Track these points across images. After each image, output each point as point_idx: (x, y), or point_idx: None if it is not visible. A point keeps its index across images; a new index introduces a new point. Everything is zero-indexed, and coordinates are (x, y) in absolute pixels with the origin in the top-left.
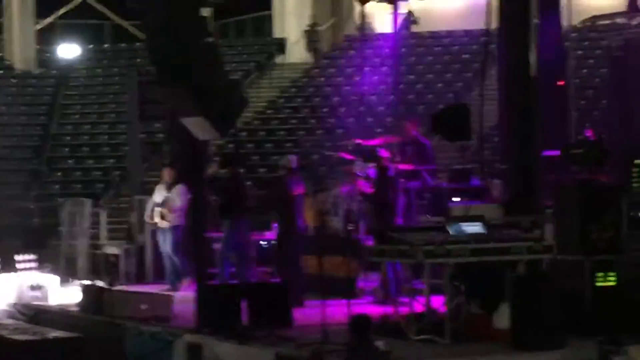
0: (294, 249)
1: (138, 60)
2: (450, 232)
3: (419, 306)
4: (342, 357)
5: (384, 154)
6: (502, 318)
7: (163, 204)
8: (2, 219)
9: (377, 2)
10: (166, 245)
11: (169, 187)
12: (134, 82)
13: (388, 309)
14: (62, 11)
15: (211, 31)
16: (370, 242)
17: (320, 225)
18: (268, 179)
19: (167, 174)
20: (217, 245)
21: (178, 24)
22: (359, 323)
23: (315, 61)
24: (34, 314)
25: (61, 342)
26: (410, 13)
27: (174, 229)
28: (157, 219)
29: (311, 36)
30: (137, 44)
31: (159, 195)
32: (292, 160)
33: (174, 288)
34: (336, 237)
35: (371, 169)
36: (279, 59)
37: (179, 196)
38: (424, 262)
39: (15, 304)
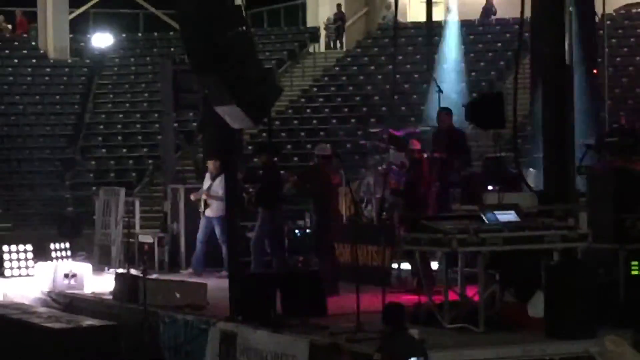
0: (330, 238)
1: (172, 49)
2: (485, 221)
3: (453, 294)
4: (376, 346)
5: (416, 145)
6: (537, 307)
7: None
8: (36, 207)
9: None
10: (207, 233)
11: (214, 178)
12: (168, 71)
13: (422, 297)
14: (95, 0)
15: (244, 20)
16: (404, 231)
17: (354, 214)
18: (306, 167)
19: (212, 165)
20: (251, 234)
21: (212, 12)
22: (392, 312)
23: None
24: (68, 302)
25: (95, 330)
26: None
27: (219, 219)
28: (201, 207)
29: (329, 29)
30: (171, 33)
31: (206, 184)
32: (326, 148)
33: (197, 272)
34: (370, 225)
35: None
36: (312, 48)
37: (221, 186)
38: (458, 251)
39: (49, 292)
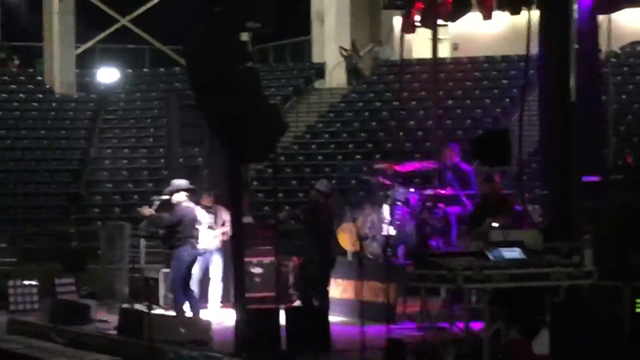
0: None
1: (177, 84)
2: (490, 257)
3: (458, 331)
4: None
5: (497, 178)
6: (542, 344)
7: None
8: (42, 242)
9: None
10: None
11: (215, 212)
12: (174, 106)
13: (427, 334)
14: (102, 35)
15: (250, 55)
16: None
17: (358, 250)
18: (308, 205)
19: (207, 200)
20: None
21: (218, 48)
22: (393, 348)
23: (354, 82)
24: (72, 337)
25: None
26: None
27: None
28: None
29: (349, 57)
30: (177, 68)
31: (209, 218)
32: (327, 185)
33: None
34: (375, 262)
35: (410, 194)
36: (317, 84)
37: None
38: (463, 287)
39: (54, 327)
